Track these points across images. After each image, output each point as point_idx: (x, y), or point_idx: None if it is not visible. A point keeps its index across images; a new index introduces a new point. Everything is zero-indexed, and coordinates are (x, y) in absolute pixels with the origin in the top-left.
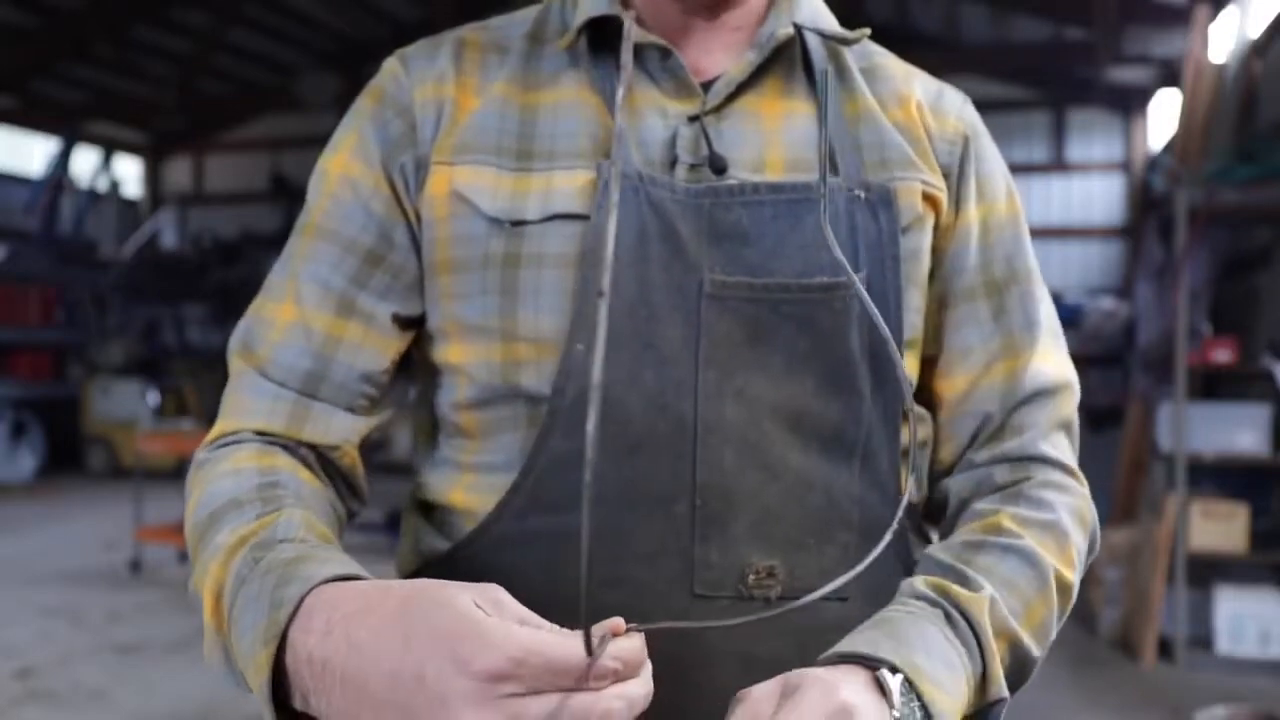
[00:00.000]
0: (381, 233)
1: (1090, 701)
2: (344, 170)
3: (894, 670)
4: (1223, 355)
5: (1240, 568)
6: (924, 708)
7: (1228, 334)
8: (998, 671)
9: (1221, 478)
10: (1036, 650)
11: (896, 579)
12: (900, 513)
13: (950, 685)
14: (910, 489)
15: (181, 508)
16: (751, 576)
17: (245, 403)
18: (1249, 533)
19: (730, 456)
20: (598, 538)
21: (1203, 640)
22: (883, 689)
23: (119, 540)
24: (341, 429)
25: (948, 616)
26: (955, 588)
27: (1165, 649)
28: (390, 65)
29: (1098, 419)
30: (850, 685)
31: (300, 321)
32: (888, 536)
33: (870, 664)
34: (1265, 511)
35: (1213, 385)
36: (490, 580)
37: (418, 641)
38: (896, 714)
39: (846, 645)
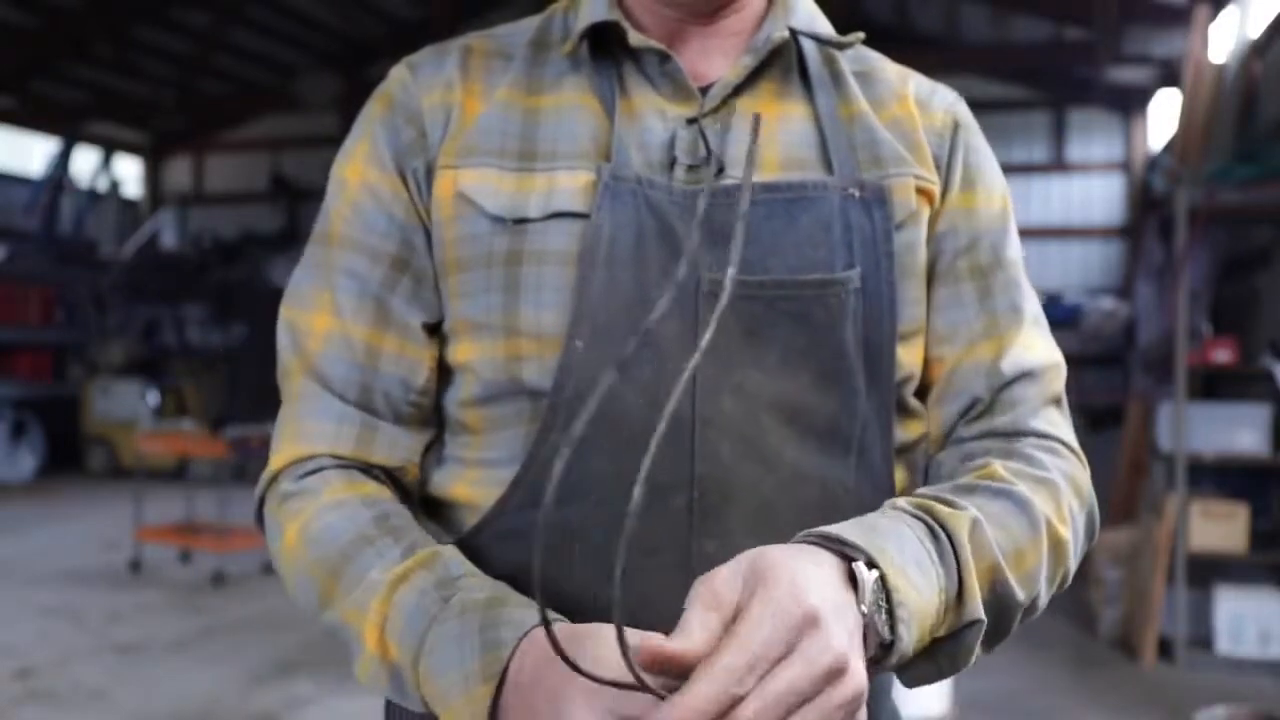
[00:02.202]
0: (404, 238)
1: (1090, 701)
2: (362, 177)
3: (870, 565)
4: (1223, 355)
5: (1240, 568)
6: (888, 597)
7: (1228, 334)
8: (974, 590)
9: (1221, 478)
10: (1021, 594)
11: None
12: None
13: (920, 584)
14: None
15: (181, 508)
16: None
17: (311, 425)
18: (1249, 533)
19: (727, 449)
20: (595, 530)
21: (1203, 640)
22: (854, 580)
23: (119, 540)
24: (405, 449)
25: (929, 529)
26: (938, 506)
27: (1165, 649)
28: (398, 73)
29: (1098, 419)
30: (819, 583)
31: (340, 332)
32: None
33: (840, 550)
34: (1265, 511)
35: (1213, 385)
36: (492, 574)
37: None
38: (864, 609)
39: (818, 530)
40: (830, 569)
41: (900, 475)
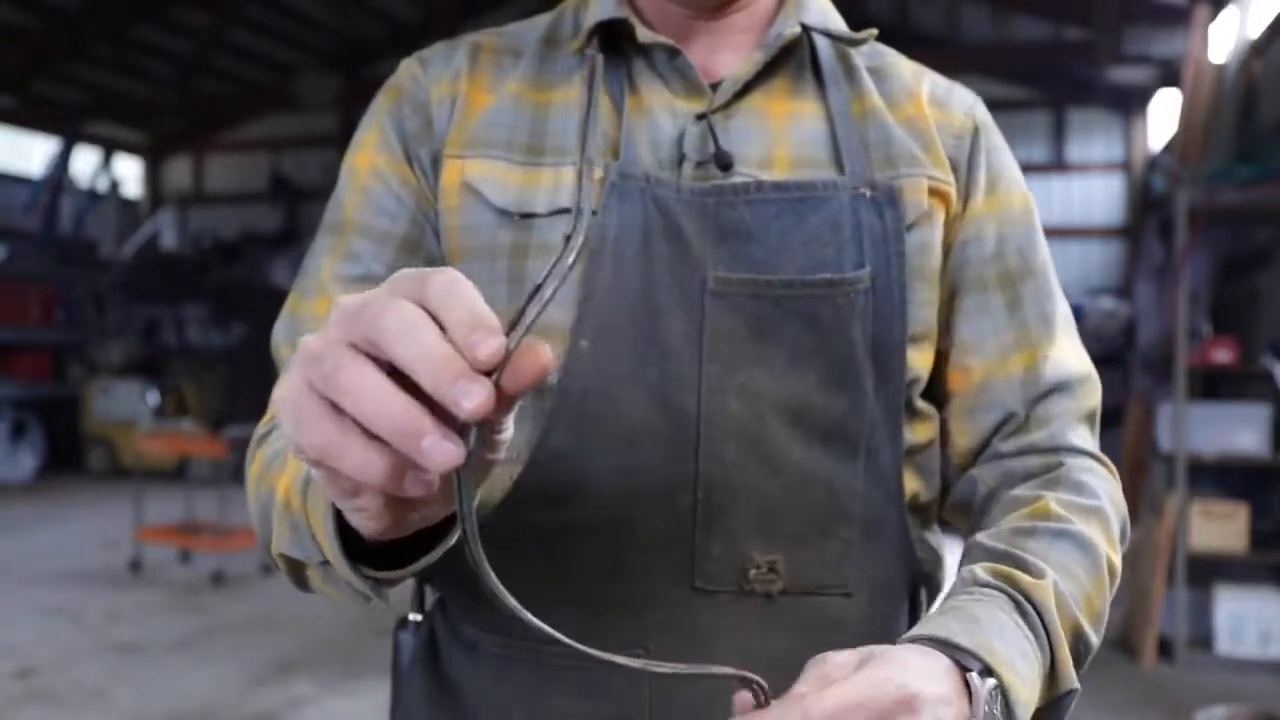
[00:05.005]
0: (414, 221)
1: (1090, 701)
2: (371, 164)
3: (986, 674)
4: (1223, 355)
5: (1240, 568)
6: (1004, 696)
7: (1228, 334)
8: (1067, 660)
9: (1221, 478)
10: (1095, 638)
11: (899, 575)
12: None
13: (1027, 674)
14: (915, 486)
15: (181, 508)
16: (753, 571)
17: None
18: (1249, 533)
19: (732, 450)
20: (600, 529)
21: (1203, 640)
22: (968, 686)
23: (119, 540)
24: None
25: (1017, 605)
26: (1019, 574)
27: (1165, 649)
28: (408, 65)
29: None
30: (930, 676)
31: None
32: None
33: (953, 654)
34: (1265, 511)
35: (1213, 385)
36: (494, 572)
37: None
38: None
39: (919, 630)
40: (944, 670)
41: (909, 478)
